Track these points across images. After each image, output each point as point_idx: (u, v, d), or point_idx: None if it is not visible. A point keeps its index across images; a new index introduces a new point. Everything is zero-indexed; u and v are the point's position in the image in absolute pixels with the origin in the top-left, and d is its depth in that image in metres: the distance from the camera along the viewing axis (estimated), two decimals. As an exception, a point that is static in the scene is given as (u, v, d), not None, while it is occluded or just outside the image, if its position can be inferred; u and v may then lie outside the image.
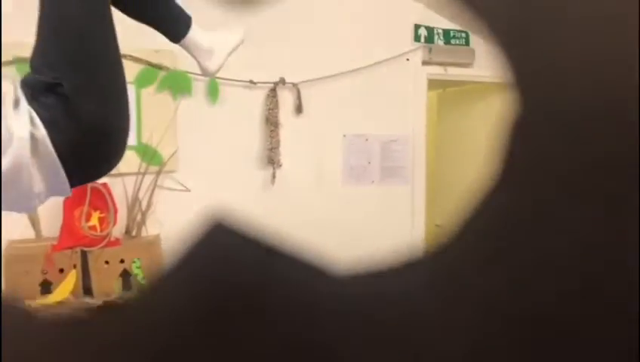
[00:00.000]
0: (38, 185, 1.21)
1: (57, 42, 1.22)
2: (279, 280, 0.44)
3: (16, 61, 2.52)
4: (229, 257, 0.42)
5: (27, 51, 2.70)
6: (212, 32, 1.60)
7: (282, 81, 3.08)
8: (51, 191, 1.26)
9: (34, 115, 1.17)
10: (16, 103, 1.19)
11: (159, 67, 2.81)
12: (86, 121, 1.21)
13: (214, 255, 0.42)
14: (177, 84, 2.86)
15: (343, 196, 3.28)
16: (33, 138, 1.16)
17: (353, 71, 3.23)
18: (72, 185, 1.26)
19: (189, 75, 2.81)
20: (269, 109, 3.06)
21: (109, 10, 1.28)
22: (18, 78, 1.24)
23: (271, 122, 3.07)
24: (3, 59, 2.51)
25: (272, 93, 3.07)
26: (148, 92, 2.80)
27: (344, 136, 3.30)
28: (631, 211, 0.44)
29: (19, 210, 1.43)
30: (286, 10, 2.95)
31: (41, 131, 1.17)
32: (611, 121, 0.45)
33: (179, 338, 0.40)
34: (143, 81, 2.78)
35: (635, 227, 0.43)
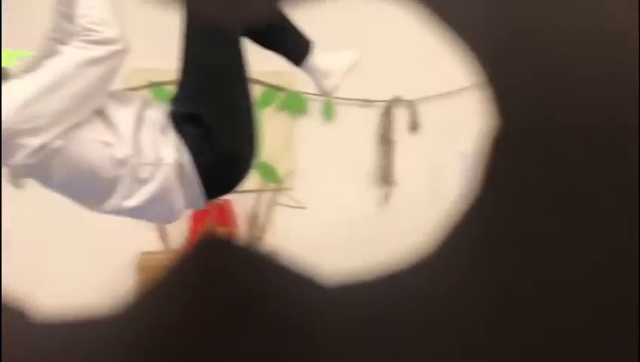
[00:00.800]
0: (181, 202, 1.37)
1: (198, 79, 1.36)
2: (271, 291, 0.44)
3: (151, 85, 2.73)
4: (222, 269, 0.43)
5: (160, 76, 2.90)
6: (329, 52, 1.67)
7: (398, 99, 3.06)
8: (189, 206, 1.43)
9: (179, 142, 1.33)
10: (163, 130, 1.34)
11: (278, 88, 2.92)
12: (223, 148, 1.36)
13: (207, 267, 0.43)
14: (295, 104, 2.95)
15: (460, 215, 3.19)
16: (179, 163, 1.32)
17: (471, 86, 3.14)
18: (205, 200, 1.41)
19: (306, 95, 2.89)
20: (384, 127, 3.06)
21: (242, 47, 1.40)
22: (164, 106, 1.40)
23: (386, 140, 3.07)
24: (138, 84, 2.73)
25: (387, 111, 3.06)
26: (267, 112, 2.91)
27: (462, 154, 3.21)
28: (603, 221, 0.41)
29: (159, 222, 1.60)
30: (401, 27, 2.94)
31: (186, 158, 1.33)
32: (586, 135, 0.41)
33: (171, 349, 0.41)
34: (263, 102, 2.90)
35: (608, 236, 0.40)
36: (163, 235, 2.76)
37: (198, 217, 2.62)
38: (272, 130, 2.95)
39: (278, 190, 2.92)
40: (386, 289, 0.45)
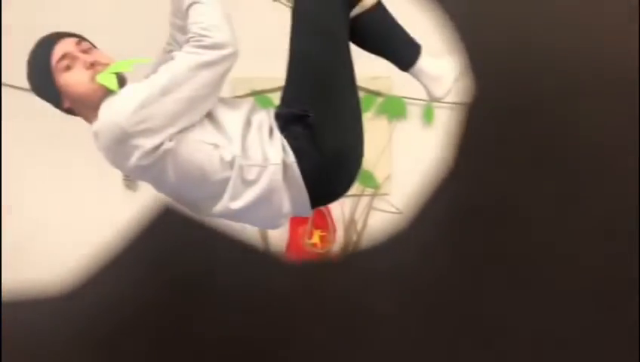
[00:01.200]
0: (286, 206, 1.38)
1: (305, 78, 1.38)
2: (225, 263, 0.43)
3: (254, 94, 2.82)
4: (177, 241, 0.42)
5: (261, 85, 3.00)
6: (439, 57, 1.61)
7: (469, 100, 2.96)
8: (295, 212, 1.42)
9: (285, 143, 1.35)
10: (271, 132, 1.36)
11: (377, 94, 2.92)
12: (329, 148, 1.36)
13: (162, 238, 0.42)
14: (393, 109, 2.93)
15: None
16: (285, 164, 1.33)
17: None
18: (313, 206, 1.41)
19: (404, 99, 2.87)
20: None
21: (349, 47, 1.41)
22: (271, 110, 1.42)
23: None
24: (241, 93, 2.83)
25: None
26: (366, 117, 2.92)
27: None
28: (580, 191, 0.38)
29: (267, 227, 1.62)
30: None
31: (291, 158, 1.34)
32: (562, 103, 0.39)
33: (125, 321, 0.41)
34: (362, 108, 2.91)
35: (586, 205, 0.37)
36: (264, 237, 2.83)
37: (297, 220, 2.68)
38: (370, 135, 2.94)
39: (375, 195, 2.91)
40: (360, 264, 0.44)
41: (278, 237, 2.77)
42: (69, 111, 1.44)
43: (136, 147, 1.27)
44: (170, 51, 1.50)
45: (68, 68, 1.35)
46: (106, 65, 1.37)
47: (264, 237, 2.83)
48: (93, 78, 1.35)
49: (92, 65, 1.36)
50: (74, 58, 1.36)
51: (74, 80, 1.35)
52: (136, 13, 2.66)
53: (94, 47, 1.44)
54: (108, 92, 1.34)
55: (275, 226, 1.50)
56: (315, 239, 2.70)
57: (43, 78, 1.36)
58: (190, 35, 1.30)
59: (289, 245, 2.69)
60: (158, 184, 1.40)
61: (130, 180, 2.62)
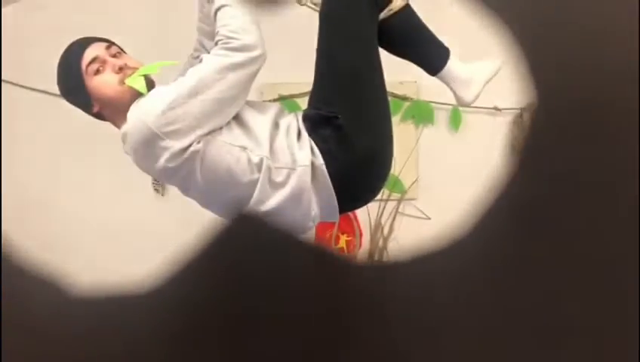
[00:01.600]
0: (315, 209, 1.37)
1: (334, 80, 1.38)
2: (300, 269, 0.42)
3: (281, 99, 2.84)
4: (253, 245, 0.42)
5: (289, 90, 3.01)
6: (469, 62, 1.58)
7: (530, 107, 2.92)
8: (323, 216, 1.41)
9: (313, 145, 1.34)
10: (299, 135, 1.36)
11: (403, 98, 2.91)
12: (358, 150, 1.36)
13: (238, 243, 0.42)
14: (420, 113, 2.92)
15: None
16: (313, 166, 1.33)
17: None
18: (341, 211, 1.40)
19: (432, 104, 2.85)
20: (515, 136, 2.93)
21: (378, 49, 1.41)
22: (299, 113, 1.43)
23: (516, 150, 2.94)
24: (270, 98, 2.85)
25: (518, 119, 2.93)
26: (393, 122, 2.91)
27: (601, 164, 2.99)
28: None
29: (295, 231, 1.62)
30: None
31: (320, 160, 1.33)
32: (622, 113, 0.38)
33: (200, 326, 0.40)
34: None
35: None
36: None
37: (324, 225, 2.67)
38: (396, 139, 2.93)
39: (401, 200, 2.90)
40: (420, 270, 0.44)
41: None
42: (98, 115, 1.46)
43: (164, 148, 1.28)
44: (198, 57, 1.52)
45: (98, 71, 1.37)
46: (135, 69, 1.39)
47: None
48: (122, 81, 1.36)
49: (121, 69, 1.38)
50: (104, 62, 1.38)
51: (103, 83, 1.37)
52: (163, 19, 2.69)
53: (123, 51, 1.46)
54: (137, 95, 1.35)
55: (303, 230, 1.49)
56: (342, 244, 2.69)
57: (73, 82, 1.39)
58: (218, 38, 1.31)
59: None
60: (186, 187, 1.40)
61: (159, 184, 2.66)
